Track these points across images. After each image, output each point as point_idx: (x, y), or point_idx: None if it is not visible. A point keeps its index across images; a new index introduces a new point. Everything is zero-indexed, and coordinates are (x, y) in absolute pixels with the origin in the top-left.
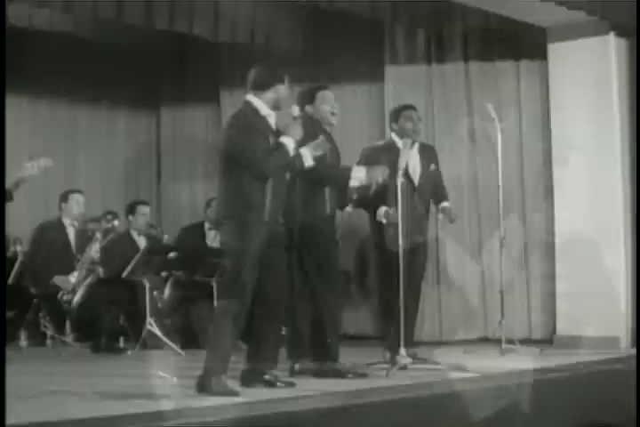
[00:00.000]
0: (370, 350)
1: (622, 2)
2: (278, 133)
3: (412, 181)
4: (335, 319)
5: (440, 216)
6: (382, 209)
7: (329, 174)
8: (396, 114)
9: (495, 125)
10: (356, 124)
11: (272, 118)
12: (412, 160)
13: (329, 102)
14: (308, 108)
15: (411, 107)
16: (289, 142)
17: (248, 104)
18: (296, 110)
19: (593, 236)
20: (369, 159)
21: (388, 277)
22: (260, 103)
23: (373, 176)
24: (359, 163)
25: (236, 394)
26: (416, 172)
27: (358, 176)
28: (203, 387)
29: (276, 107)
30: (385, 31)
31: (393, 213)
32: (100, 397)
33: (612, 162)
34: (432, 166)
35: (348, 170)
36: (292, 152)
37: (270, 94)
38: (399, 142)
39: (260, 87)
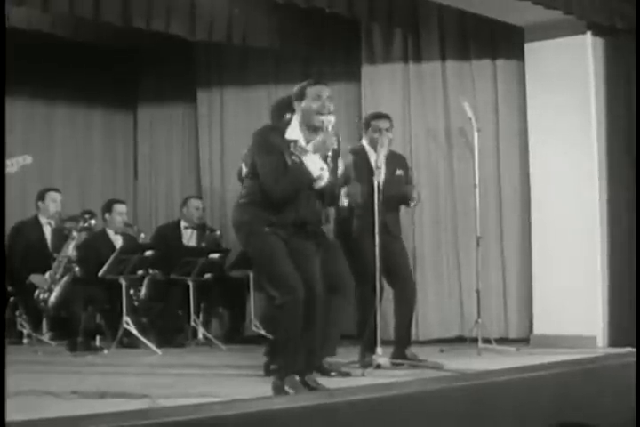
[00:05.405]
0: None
1: (598, 1)
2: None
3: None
4: (340, 315)
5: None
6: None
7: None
8: (366, 123)
9: (472, 124)
10: None
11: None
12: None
13: (317, 99)
14: (298, 107)
15: (381, 116)
16: (311, 161)
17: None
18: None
19: (570, 235)
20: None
21: (361, 272)
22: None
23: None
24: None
25: (315, 388)
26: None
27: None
28: (277, 388)
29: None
30: (362, 30)
31: (354, 190)
32: (76, 395)
33: (588, 160)
34: (398, 171)
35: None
36: (316, 172)
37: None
38: (369, 150)
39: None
